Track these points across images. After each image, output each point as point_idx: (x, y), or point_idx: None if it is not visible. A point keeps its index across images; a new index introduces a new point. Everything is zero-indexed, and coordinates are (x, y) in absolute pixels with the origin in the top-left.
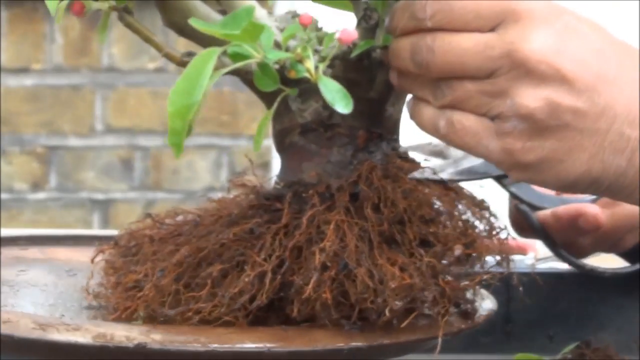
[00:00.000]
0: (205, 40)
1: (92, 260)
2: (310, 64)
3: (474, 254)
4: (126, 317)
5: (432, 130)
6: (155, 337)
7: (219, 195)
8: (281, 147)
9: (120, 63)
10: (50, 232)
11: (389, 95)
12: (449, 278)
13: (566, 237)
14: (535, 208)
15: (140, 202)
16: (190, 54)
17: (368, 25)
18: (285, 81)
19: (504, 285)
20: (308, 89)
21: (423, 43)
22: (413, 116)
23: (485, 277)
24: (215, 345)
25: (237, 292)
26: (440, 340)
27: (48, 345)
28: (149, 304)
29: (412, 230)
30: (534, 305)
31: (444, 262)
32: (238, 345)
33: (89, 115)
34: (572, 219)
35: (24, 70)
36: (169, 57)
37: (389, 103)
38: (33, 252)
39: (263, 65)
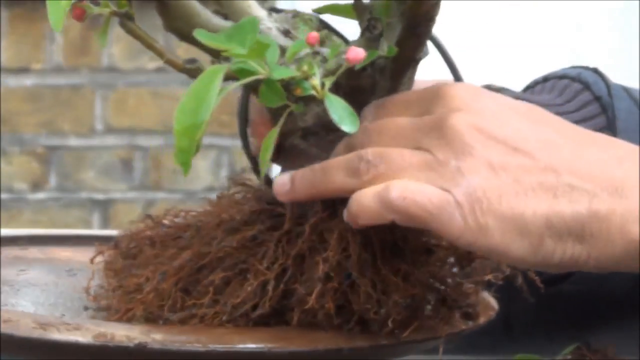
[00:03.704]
0: (207, 47)
1: (92, 261)
2: (316, 81)
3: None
4: (127, 319)
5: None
6: (155, 337)
7: (217, 194)
8: (282, 149)
9: (120, 63)
10: (50, 232)
11: None
12: (451, 283)
13: None
14: None
15: (140, 202)
16: (192, 61)
17: (372, 35)
18: (291, 96)
19: (504, 285)
20: None
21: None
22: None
23: (486, 277)
24: (216, 345)
25: (240, 301)
26: (442, 342)
27: (48, 344)
28: (147, 306)
29: (414, 236)
30: (534, 305)
31: (446, 267)
32: (239, 346)
33: (89, 115)
34: None
35: (24, 70)
36: (170, 63)
37: None
38: (33, 252)
39: (269, 82)
